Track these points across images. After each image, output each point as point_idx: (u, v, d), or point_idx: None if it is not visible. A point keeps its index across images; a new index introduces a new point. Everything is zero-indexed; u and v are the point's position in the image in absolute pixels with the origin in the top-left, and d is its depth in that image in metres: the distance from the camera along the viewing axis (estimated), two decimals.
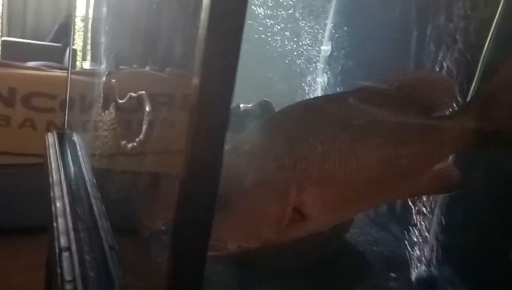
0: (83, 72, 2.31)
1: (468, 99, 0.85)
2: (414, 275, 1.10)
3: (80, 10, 3.68)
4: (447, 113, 0.80)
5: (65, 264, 0.88)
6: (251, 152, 0.69)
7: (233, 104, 1.25)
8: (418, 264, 1.11)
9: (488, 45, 0.98)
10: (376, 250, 1.19)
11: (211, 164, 0.44)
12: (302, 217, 0.68)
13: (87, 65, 3.52)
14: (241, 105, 1.20)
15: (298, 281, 1.01)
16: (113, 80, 1.38)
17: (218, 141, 0.44)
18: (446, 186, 0.79)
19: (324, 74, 1.57)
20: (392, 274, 1.12)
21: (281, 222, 0.67)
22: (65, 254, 0.91)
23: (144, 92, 1.04)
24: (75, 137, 1.48)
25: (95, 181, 1.22)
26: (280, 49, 1.65)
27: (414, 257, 1.11)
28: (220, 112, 0.44)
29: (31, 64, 2.67)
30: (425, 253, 1.10)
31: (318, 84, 1.54)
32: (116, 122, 1.25)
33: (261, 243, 0.68)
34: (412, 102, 0.76)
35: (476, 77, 0.97)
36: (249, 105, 1.20)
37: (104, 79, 1.41)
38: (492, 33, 0.98)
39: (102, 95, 1.34)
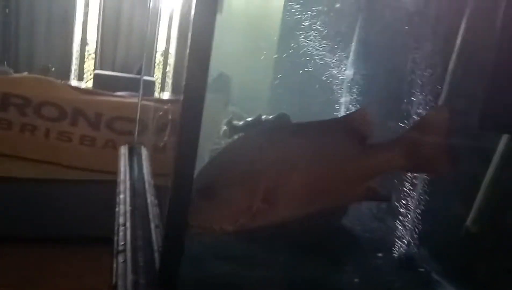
0: (155, 100, 2.70)
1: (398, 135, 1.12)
2: (396, 254, 1.34)
3: (160, 46, 4.20)
4: (382, 143, 1.09)
5: (120, 235, 1.23)
6: (234, 155, 1.01)
7: (257, 115, 1.56)
8: (401, 247, 1.35)
9: None
10: (368, 236, 1.44)
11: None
12: (268, 207, 0.96)
13: (165, 94, 3.97)
14: (263, 116, 1.49)
15: (296, 257, 1.28)
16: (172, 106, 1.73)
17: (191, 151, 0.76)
18: (376, 198, 1.09)
19: (347, 95, 1.82)
20: (379, 254, 1.37)
21: (252, 210, 0.94)
22: (121, 228, 1.25)
23: None
24: (142, 150, 1.87)
25: (152, 181, 1.58)
26: (312, 71, 1.92)
27: (398, 241, 1.36)
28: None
29: (117, 93, 3.13)
30: (407, 237, 1.35)
31: (342, 103, 1.80)
32: (168, 136, 1.60)
33: (238, 227, 0.96)
34: (353, 132, 1.05)
35: None
36: (270, 117, 1.49)
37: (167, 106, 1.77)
38: None
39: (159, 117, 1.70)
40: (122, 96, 2.93)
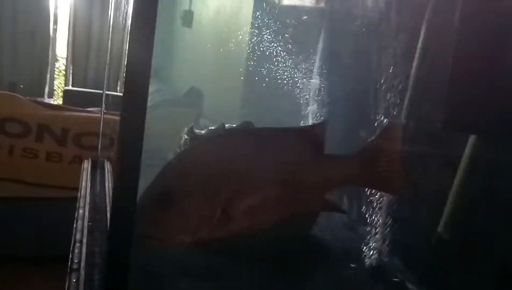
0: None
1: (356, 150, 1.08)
2: (368, 264, 1.30)
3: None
4: (339, 155, 1.06)
5: (76, 252, 1.16)
6: (192, 160, 0.94)
7: (220, 124, 1.52)
8: (372, 256, 1.31)
9: None
10: (340, 246, 1.39)
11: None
12: (228, 219, 0.90)
13: None
14: (227, 125, 1.45)
15: (264, 267, 1.23)
16: None
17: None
18: (332, 208, 1.05)
19: (314, 103, 1.80)
20: (351, 265, 1.32)
21: (211, 221, 0.88)
22: (77, 245, 1.19)
23: None
24: (106, 164, 1.80)
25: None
26: (279, 80, 1.91)
27: (370, 251, 1.32)
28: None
29: (86, 109, 3.05)
30: (377, 247, 1.31)
31: (309, 112, 1.77)
32: None
33: (197, 239, 0.89)
34: (312, 143, 1.01)
35: None
36: (234, 125, 1.44)
37: None
38: None
39: None
40: (90, 111, 2.86)
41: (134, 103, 0.69)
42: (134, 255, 0.78)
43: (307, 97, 1.77)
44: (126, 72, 0.71)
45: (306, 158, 1.03)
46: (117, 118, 2.14)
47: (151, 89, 0.69)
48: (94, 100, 3.91)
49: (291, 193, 0.99)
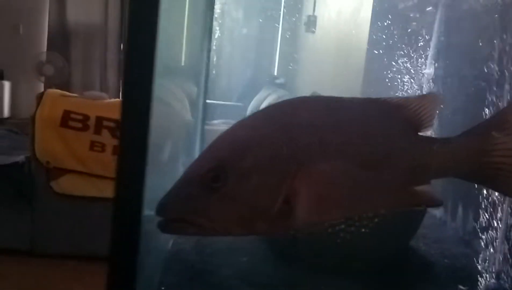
0: None
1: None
2: (486, 288, 1.05)
3: None
4: (441, 138, 0.80)
5: None
6: (251, 136, 0.71)
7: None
8: (489, 279, 1.06)
9: None
10: (448, 263, 1.15)
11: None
12: (290, 210, 0.69)
13: None
14: None
15: (359, 282, 1.05)
16: None
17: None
18: (424, 203, 0.80)
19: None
20: (461, 287, 1.08)
21: (271, 212, 0.68)
22: None
23: None
24: None
25: None
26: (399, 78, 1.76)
27: (486, 272, 1.07)
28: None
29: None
30: (496, 268, 1.05)
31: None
32: None
33: (248, 231, 0.71)
34: (399, 120, 0.77)
35: None
36: None
37: None
38: None
39: None
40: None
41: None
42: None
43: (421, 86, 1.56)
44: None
45: (403, 137, 0.78)
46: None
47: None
48: (222, 111, 4.00)
49: (375, 181, 0.76)
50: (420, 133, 0.77)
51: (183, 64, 1.67)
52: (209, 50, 2.00)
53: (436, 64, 1.58)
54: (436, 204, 0.80)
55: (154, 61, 0.57)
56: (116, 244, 0.58)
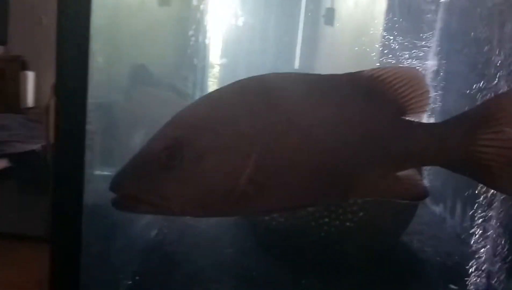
0: None
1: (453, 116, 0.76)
2: (476, 287, 1.01)
3: None
4: (426, 123, 0.75)
5: None
6: (212, 113, 0.67)
7: None
8: (480, 278, 1.02)
9: None
10: (440, 261, 1.11)
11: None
12: (254, 191, 0.65)
13: None
14: None
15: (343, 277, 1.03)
16: None
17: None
18: (407, 195, 0.73)
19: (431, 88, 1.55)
20: (452, 286, 1.04)
21: (233, 193, 0.64)
22: None
23: None
24: None
25: None
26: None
27: (478, 271, 1.03)
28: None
29: None
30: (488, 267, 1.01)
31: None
32: None
33: (207, 212, 0.66)
34: (381, 99, 0.72)
35: None
36: None
37: None
38: None
39: None
40: None
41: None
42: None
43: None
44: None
45: (384, 117, 0.71)
46: None
47: None
48: None
49: (351, 167, 0.70)
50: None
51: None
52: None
53: (439, 56, 1.53)
54: (420, 196, 0.75)
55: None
56: (57, 231, 0.57)
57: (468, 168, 0.70)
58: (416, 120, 0.69)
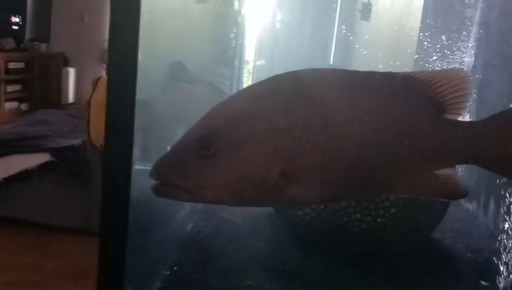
0: None
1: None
2: (506, 284, 1.02)
3: None
4: (466, 120, 0.75)
5: None
6: (248, 106, 0.69)
7: None
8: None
9: None
10: (471, 258, 1.12)
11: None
12: (286, 185, 0.67)
13: None
14: None
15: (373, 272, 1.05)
16: None
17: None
18: (447, 193, 0.73)
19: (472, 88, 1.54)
20: (483, 282, 1.05)
21: (265, 184, 0.66)
22: None
23: None
24: None
25: None
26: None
27: (509, 267, 1.03)
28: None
29: None
30: None
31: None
32: None
33: (240, 201, 0.70)
34: (421, 98, 0.71)
35: None
36: None
37: None
38: None
39: None
40: None
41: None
42: None
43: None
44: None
45: (419, 117, 0.73)
46: None
47: None
48: None
49: (387, 163, 0.72)
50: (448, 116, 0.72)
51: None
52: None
53: (475, 52, 1.52)
54: (460, 195, 0.75)
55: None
56: (105, 223, 0.62)
57: (504, 167, 0.71)
58: (455, 118, 0.72)
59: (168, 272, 0.96)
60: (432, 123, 0.70)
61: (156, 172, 0.65)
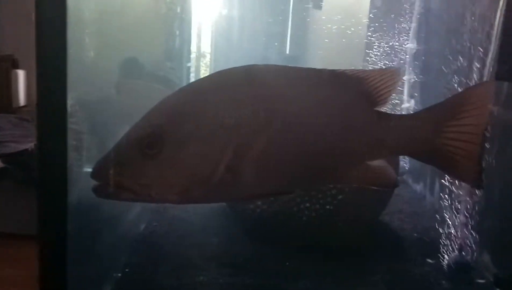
0: None
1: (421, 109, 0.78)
2: (449, 260, 1.06)
3: None
4: (397, 114, 0.79)
5: None
6: (193, 102, 0.70)
7: None
8: (456, 251, 1.06)
9: None
10: (417, 238, 1.16)
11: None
12: (232, 180, 0.68)
13: None
14: None
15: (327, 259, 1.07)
16: None
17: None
18: (377, 183, 0.76)
19: (410, 71, 1.58)
20: (429, 260, 1.09)
21: (212, 181, 0.67)
22: None
23: None
24: None
25: None
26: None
27: (452, 244, 1.07)
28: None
29: None
30: (463, 240, 1.06)
31: (405, 81, 1.56)
32: None
33: (186, 199, 0.69)
34: (356, 93, 0.74)
35: None
36: None
37: None
38: None
39: None
40: None
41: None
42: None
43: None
44: None
45: (358, 110, 0.76)
46: None
47: None
48: None
49: (327, 156, 0.74)
50: (376, 108, 0.75)
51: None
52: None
53: (417, 39, 1.57)
54: (390, 185, 0.79)
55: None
56: (43, 229, 0.62)
57: (434, 158, 0.75)
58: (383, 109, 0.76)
59: (119, 275, 0.96)
60: (366, 116, 0.73)
61: (97, 172, 0.63)
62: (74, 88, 1.02)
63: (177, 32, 1.80)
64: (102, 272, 0.91)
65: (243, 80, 0.72)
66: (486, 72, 1.02)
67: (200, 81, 0.78)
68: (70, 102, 0.99)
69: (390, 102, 0.76)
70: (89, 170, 0.67)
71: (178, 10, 1.76)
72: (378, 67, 1.89)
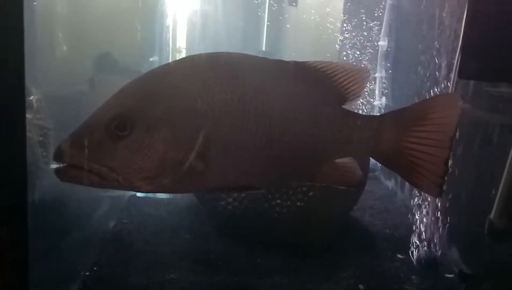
0: None
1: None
2: (419, 256, 1.07)
3: None
4: (364, 114, 0.78)
5: None
6: (165, 85, 0.66)
7: None
8: (425, 246, 1.08)
9: None
10: (389, 233, 1.17)
11: None
12: (203, 169, 0.66)
13: None
14: None
15: (303, 256, 1.07)
16: None
17: None
18: (344, 181, 0.76)
19: (382, 68, 1.59)
20: (399, 255, 1.10)
21: (181, 168, 0.64)
22: None
23: None
24: None
25: None
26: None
27: (421, 240, 1.09)
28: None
29: None
30: (432, 236, 1.07)
31: (377, 78, 1.57)
32: None
33: (155, 187, 0.65)
34: (325, 88, 0.74)
35: None
36: None
37: None
38: None
39: None
40: None
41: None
42: None
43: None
44: None
45: (323, 106, 0.75)
46: None
47: None
48: None
49: (296, 150, 0.73)
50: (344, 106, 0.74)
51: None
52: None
53: (388, 37, 1.58)
54: (356, 185, 0.77)
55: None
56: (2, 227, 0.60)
57: (396, 162, 0.73)
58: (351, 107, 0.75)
59: (87, 273, 0.94)
60: (333, 111, 0.73)
61: (61, 153, 0.59)
62: (41, 83, 1.00)
63: (153, 27, 1.78)
64: (69, 270, 0.90)
65: (216, 67, 0.69)
66: (453, 69, 1.03)
67: (171, 65, 0.75)
68: (35, 97, 0.98)
69: (359, 100, 0.76)
70: (56, 166, 0.65)
71: (153, 5, 1.75)
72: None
